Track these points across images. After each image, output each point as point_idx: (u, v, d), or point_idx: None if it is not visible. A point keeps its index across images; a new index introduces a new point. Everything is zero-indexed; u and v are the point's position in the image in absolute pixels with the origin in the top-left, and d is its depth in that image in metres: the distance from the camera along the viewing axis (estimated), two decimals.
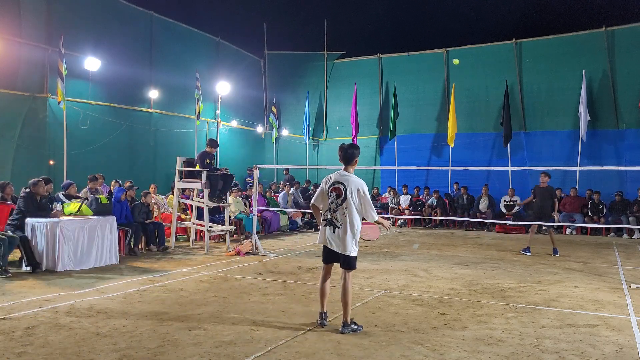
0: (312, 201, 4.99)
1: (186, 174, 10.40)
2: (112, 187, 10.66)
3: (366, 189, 4.73)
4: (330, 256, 4.80)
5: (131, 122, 13.71)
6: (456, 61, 14.91)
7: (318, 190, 4.95)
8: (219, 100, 15.72)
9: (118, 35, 13.59)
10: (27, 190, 7.87)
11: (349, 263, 4.70)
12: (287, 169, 17.59)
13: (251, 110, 19.02)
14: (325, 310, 4.86)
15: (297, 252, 9.94)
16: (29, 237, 7.56)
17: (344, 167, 4.84)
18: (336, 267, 4.84)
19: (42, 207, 7.89)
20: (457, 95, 16.67)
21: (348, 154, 4.82)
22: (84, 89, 12.52)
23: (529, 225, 13.83)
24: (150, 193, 10.36)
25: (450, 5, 22.77)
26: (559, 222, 13.89)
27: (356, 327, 4.66)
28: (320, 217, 4.88)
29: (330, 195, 4.73)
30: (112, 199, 9.30)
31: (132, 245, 9.37)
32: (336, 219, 4.67)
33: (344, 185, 4.67)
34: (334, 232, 4.68)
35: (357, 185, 4.68)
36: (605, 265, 8.68)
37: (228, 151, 16.88)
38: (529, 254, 9.89)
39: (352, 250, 4.67)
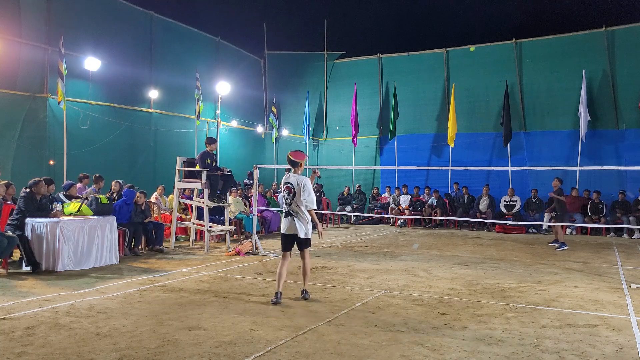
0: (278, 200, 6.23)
1: (186, 174, 10.41)
2: (112, 187, 10.65)
3: (305, 182, 5.82)
4: (288, 242, 5.89)
5: (131, 122, 13.71)
6: (472, 48, 15.21)
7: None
8: (219, 100, 15.71)
9: (118, 35, 13.59)
10: (28, 190, 7.87)
11: (306, 243, 5.87)
12: (289, 169, 17.57)
13: (251, 110, 19.01)
14: (281, 291, 5.76)
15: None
16: (29, 237, 7.56)
17: (293, 170, 5.99)
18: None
19: (42, 207, 7.89)
20: (457, 95, 16.68)
21: (292, 161, 5.98)
22: (84, 89, 12.51)
23: (529, 226, 13.94)
24: (144, 192, 10.32)
25: (450, 5, 22.80)
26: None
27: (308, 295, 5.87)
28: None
29: (285, 193, 5.88)
30: (120, 200, 9.30)
31: (133, 246, 9.38)
32: (293, 210, 5.82)
33: (292, 184, 5.86)
34: (293, 220, 5.79)
35: (299, 181, 5.84)
36: (605, 265, 8.69)
37: (228, 151, 16.88)
38: (567, 246, 10.84)
39: (309, 233, 5.86)
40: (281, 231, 5.94)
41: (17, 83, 11.30)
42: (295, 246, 5.92)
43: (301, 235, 5.79)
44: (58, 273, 7.39)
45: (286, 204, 5.89)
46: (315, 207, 5.83)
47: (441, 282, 7.06)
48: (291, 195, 5.83)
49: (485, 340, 4.43)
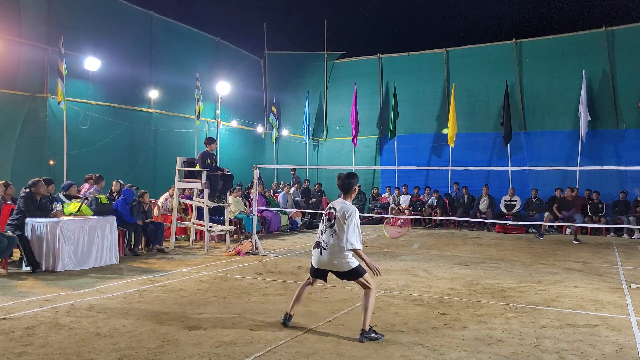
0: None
1: (186, 174, 10.41)
2: (113, 188, 10.67)
3: (352, 214, 4.57)
4: (318, 273, 4.80)
5: (131, 122, 13.71)
6: (445, 130, 16.20)
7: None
8: (219, 100, 15.72)
9: (118, 35, 13.59)
10: (27, 190, 7.87)
11: (353, 274, 4.59)
12: (294, 169, 17.60)
13: (251, 110, 19.01)
14: (292, 313, 4.85)
15: (297, 252, 9.95)
16: (29, 237, 7.56)
17: (343, 195, 4.83)
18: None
19: (41, 207, 7.89)
20: (457, 95, 16.67)
21: (346, 184, 4.82)
22: (84, 89, 12.52)
23: (529, 226, 13.94)
24: (146, 193, 10.37)
25: (450, 5, 22.79)
26: (559, 221, 13.93)
27: (376, 335, 4.46)
28: None
29: (324, 220, 4.74)
30: (120, 200, 9.30)
31: (133, 246, 9.38)
32: (323, 241, 4.65)
33: (335, 210, 4.66)
34: (320, 254, 4.66)
35: (346, 210, 4.59)
36: (605, 265, 8.68)
37: (228, 151, 16.87)
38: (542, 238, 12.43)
39: (350, 264, 4.57)
40: (312, 263, 4.82)
41: (17, 83, 11.30)
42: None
43: (338, 269, 4.62)
44: (58, 273, 7.39)
45: (321, 232, 4.74)
46: (360, 247, 4.57)
47: (441, 282, 7.06)
48: (330, 223, 4.66)
49: (485, 340, 4.43)
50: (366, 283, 4.58)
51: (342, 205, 4.66)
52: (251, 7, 23.06)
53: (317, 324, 4.86)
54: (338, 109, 19.53)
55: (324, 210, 16.51)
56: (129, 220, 9.21)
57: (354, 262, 4.60)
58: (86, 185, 10.28)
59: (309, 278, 4.93)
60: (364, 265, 4.62)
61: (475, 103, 17.11)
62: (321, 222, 4.81)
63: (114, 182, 10.68)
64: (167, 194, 11.95)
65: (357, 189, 4.87)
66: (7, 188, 8.52)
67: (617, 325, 4.95)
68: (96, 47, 12.54)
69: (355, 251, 4.55)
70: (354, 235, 4.55)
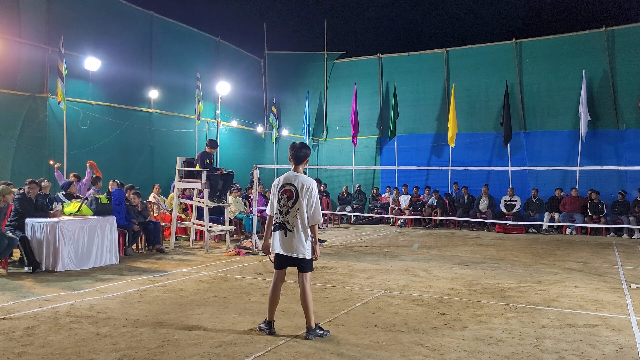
0: (267, 212, 4.67)
1: (186, 174, 10.41)
2: (110, 187, 10.66)
3: (313, 186, 4.49)
4: (285, 262, 4.57)
5: (131, 122, 13.71)
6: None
7: (271, 198, 4.63)
8: (219, 100, 15.72)
9: (118, 35, 13.58)
10: (21, 191, 7.91)
11: (307, 266, 4.51)
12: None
13: (251, 110, 19.01)
14: (274, 319, 4.61)
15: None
16: (29, 237, 7.56)
17: (293, 166, 4.61)
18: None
19: (39, 207, 7.90)
20: (457, 95, 16.67)
21: (301, 154, 4.59)
22: (84, 89, 12.51)
23: (529, 226, 13.94)
24: (138, 193, 10.29)
25: (450, 5, 22.81)
26: (559, 221, 13.93)
27: (322, 332, 4.47)
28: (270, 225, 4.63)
29: (282, 198, 4.49)
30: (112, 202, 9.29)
31: (127, 246, 9.36)
32: (287, 222, 4.45)
33: (294, 186, 4.47)
34: (286, 236, 4.46)
35: (305, 185, 4.46)
36: (605, 265, 8.68)
37: (228, 151, 16.87)
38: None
39: (309, 252, 4.50)
40: (274, 250, 4.60)
41: (17, 83, 11.30)
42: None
43: (299, 255, 4.46)
44: (58, 273, 7.39)
45: (280, 212, 4.50)
46: (321, 221, 4.58)
47: (441, 282, 7.06)
48: (291, 201, 4.46)
49: (485, 340, 4.43)
50: (309, 277, 4.53)
51: (302, 179, 4.48)
52: (251, 7, 23.11)
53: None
54: (338, 109, 19.53)
55: (324, 210, 16.24)
56: (122, 223, 9.18)
57: (312, 252, 4.53)
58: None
59: (276, 274, 4.65)
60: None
61: (475, 103, 17.11)
62: (275, 201, 4.55)
63: (110, 182, 10.67)
64: (154, 192, 11.94)
65: (308, 160, 4.68)
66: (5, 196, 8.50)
67: (617, 325, 4.95)
68: (96, 47, 12.54)
69: (312, 227, 4.48)
70: (318, 209, 4.48)
